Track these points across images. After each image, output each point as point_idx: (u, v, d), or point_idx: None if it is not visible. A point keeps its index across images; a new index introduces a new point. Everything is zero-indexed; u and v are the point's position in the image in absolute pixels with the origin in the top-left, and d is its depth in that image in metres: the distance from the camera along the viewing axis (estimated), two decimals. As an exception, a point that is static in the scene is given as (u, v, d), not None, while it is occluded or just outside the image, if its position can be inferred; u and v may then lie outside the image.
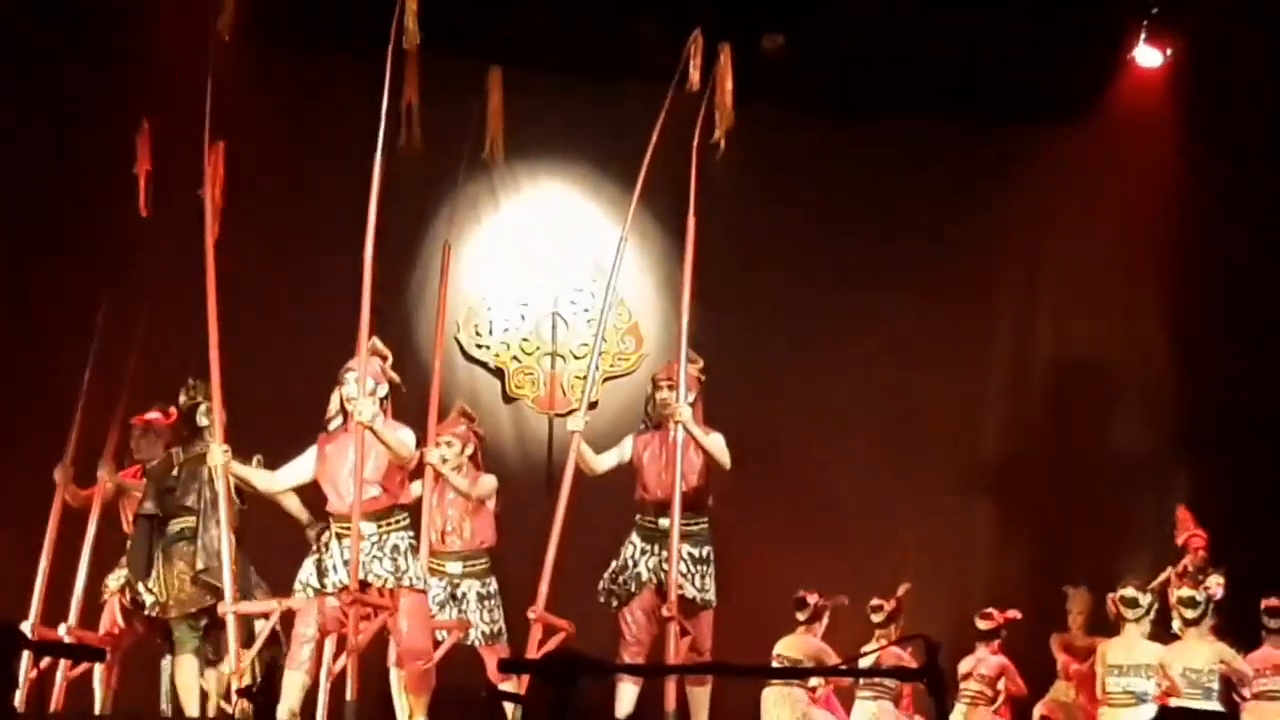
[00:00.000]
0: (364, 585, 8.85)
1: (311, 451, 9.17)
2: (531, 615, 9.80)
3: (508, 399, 12.92)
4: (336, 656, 9.23)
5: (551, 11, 12.58)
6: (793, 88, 12.94)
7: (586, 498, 10.20)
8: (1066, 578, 11.99)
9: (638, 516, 9.96)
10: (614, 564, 9.94)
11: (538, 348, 12.99)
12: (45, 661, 8.78)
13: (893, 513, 12.96)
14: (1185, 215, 13.37)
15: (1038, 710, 11.59)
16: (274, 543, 9.83)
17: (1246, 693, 10.99)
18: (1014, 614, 12.00)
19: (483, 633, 10.07)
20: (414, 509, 9.65)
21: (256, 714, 8.95)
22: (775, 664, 11.45)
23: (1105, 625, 11.42)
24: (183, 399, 10.06)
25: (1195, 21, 13.01)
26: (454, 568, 10.14)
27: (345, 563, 8.85)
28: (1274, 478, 12.78)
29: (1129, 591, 11.12)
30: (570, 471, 9.97)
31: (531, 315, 13.00)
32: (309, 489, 9.23)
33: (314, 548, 9.10)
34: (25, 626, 9.41)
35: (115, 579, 10.05)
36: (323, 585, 8.93)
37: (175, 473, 9.88)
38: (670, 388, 9.88)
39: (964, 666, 11.89)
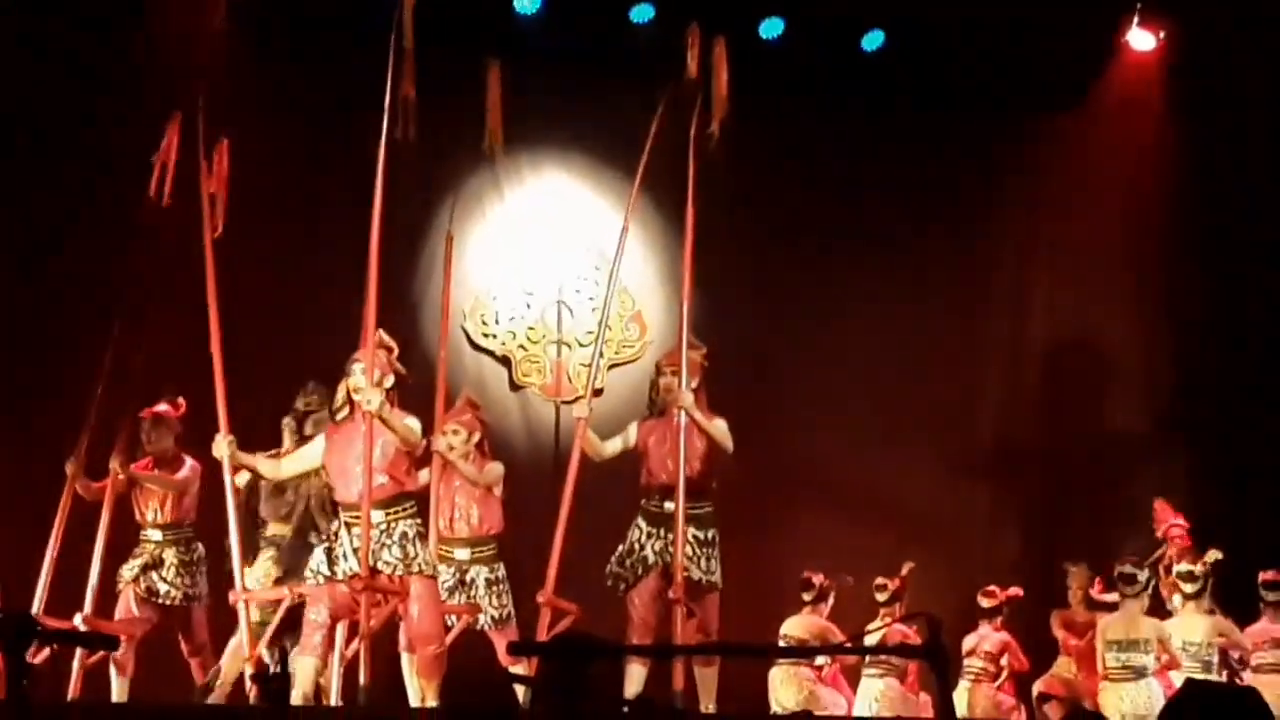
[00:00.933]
0: (374, 572, 8.85)
1: (319, 441, 9.19)
2: (540, 599, 9.84)
3: (514, 387, 12.90)
4: (349, 642, 9.25)
5: (551, 5, 12.58)
6: (790, 77, 12.91)
7: (592, 483, 10.20)
8: (1066, 555, 11.95)
9: (643, 501, 9.95)
10: (620, 548, 9.93)
11: (543, 336, 12.96)
12: (44, 651, 8.72)
13: (895, 493, 12.95)
14: (1179, 198, 13.36)
15: (1038, 686, 11.56)
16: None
17: (1246, 671, 10.98)
18: (1015, 591, 11.98)
19: (492, 617, 10.06)
20: (422, 496, 9.66)
21: (271, 699, 8.94)
22: (781, 644, 11.43)
23: (1106, 601, 11.41)
24: (300, 403, 10.05)
25: (1186, 4, 13.00)
26: (462, 554, 10.13)
27: (355, 550, 8.85)
28: (1265, 458, 12.77)
29: (1126, 568, 11.10)
30: (576, 457, 9.98)
31: (537, 304, 12.98)
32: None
33: (323, 536, 9.12)
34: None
35: (130, 569, 10.04)
36: (333, 573, 8.94)
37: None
38: (674, 374, 9.86)
39: (968, 643, 11.87)
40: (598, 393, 11.50)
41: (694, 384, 9.79)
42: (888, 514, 12.84)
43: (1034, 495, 12.21)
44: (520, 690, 9.40)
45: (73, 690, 9.80)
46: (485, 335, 12.87)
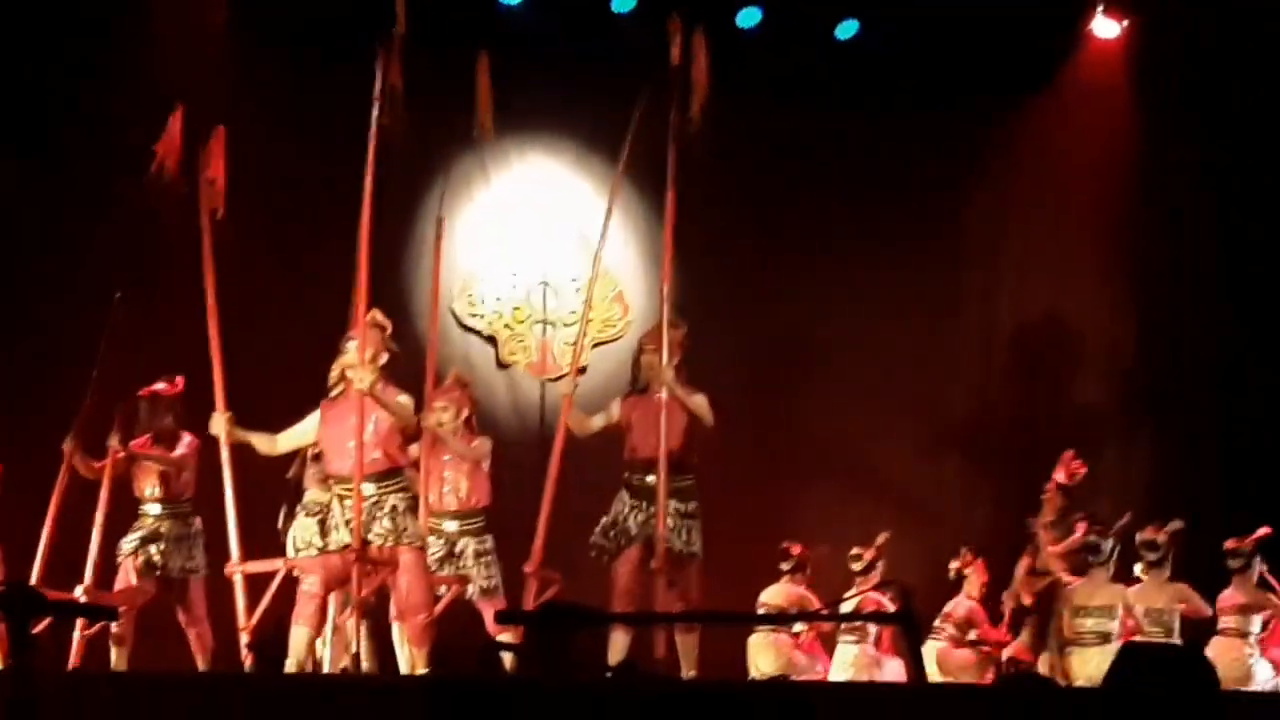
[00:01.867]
0: (365, 544, 8.90)
1: (314, 417, 9.24)
2: (527, 570, 9.91)
3: (501, 365, 12.91)
4: (340, 612, 9.29)
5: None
6: (767, 66, 12.93)
7: (577, 458, 10.26)
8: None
9: (626, 474, 10.02)
10: (604, 520, 9.99)
11: (529, 316, 12.97)
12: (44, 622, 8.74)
13: (871, 467, 12.99)
14: (1144, 180, 13.39)
15: (1007, 652, 11.60)
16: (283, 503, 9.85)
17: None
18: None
19: (480, 587, 10.11)
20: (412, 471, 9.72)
21: (265, 667, 8.99)
22: (760, 612, 11.47)
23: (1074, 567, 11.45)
24: None
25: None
26: (451, 526, 10.18)
27: (347, 523, 8.91)
28: (1228, 431, 12.83)
29: (1091, 538, 11.17)
30: (561, 433, 10.06)
31: (522, 285, 12.99)
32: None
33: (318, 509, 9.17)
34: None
35: (129, 542, 10.06)
36: (326, 544, 8.99)
37: None
38: (655, 352, 9.92)
39: (946, 609, 11.89)
40: (582, 370, 11.55)
41: (674, 361, 9.85)
42: (864, 487, 12.89)
43: (1004, 469, 12.24)
44: (507, 657, 9.49)
45: (73, 660, 9.83)
46: (473, 315, 12.89)
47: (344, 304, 9.23)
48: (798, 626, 11.74)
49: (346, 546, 8.92)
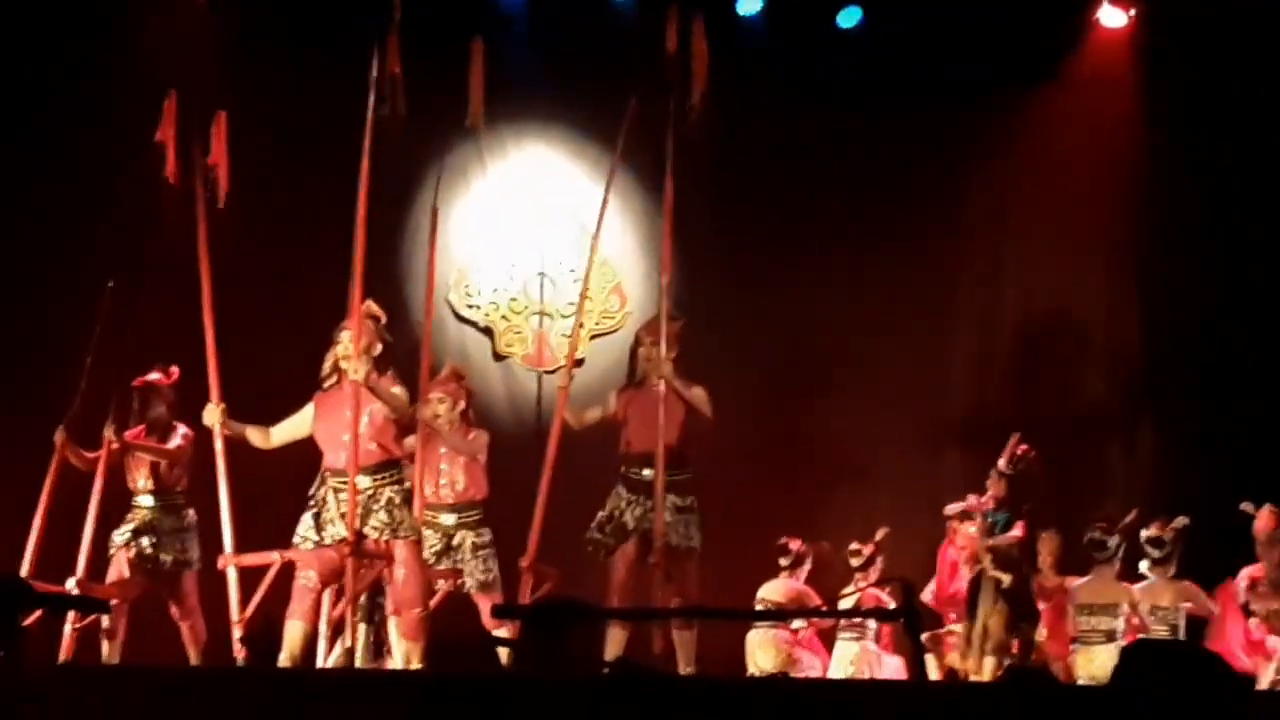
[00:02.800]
0: (361, 537, 8.89)
1: (308, 409, 9.22)
2: (523, 564, 9.90)
3: (498, 357, 12.91)
4: (335, 605, 9.28)
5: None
6: (768, 54, 12.92)
7: (574, 451, 10.25)
8: (1037, 522, 11.96)
9: (623, 468, 10.02)
10: (600, 514, 9.99)
11: (526, 307, 12.96)
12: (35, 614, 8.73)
13: (870, 461, 12.97)
14: (1148, 172, 13.35)
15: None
16: (277, 496, 9.81)
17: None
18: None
19: (478, 581, 10.09)
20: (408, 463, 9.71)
21: (258, 661, 8.98)
22: (759, 608, 11.46)
23: (1075, 566, 11.45)
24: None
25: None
26: (448, 519, 10.17)
27: (342, 516, 8.89)
28: (1231, 426, 12.81)
29: (1095, 534, 11.16)
30: (557, 426, 10.05)
31: (519, 276, 12.98)
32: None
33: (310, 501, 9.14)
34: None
35: (121, 534, 10.05)
36: (321, 538, 8.98)
37: None
38: (653, 344, 9.92)
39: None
40: (579, 363, 11.56)
41: (672, 354, 9.84)
42: (863, 481, 12.87)
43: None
44: (503, 653, 9.48)
45: (64, 653, 9.81)
46: (469, 306, 12.88)
47: (339, 294, 9.21)
48: (797, 623, 11.72)
49: (342, 540, 8.91)
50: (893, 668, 11.54)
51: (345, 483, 8.91)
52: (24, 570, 9.58)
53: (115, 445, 9.95)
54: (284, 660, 8.94)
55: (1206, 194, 13.17)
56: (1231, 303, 13.10)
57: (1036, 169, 13.54)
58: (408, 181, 12.12)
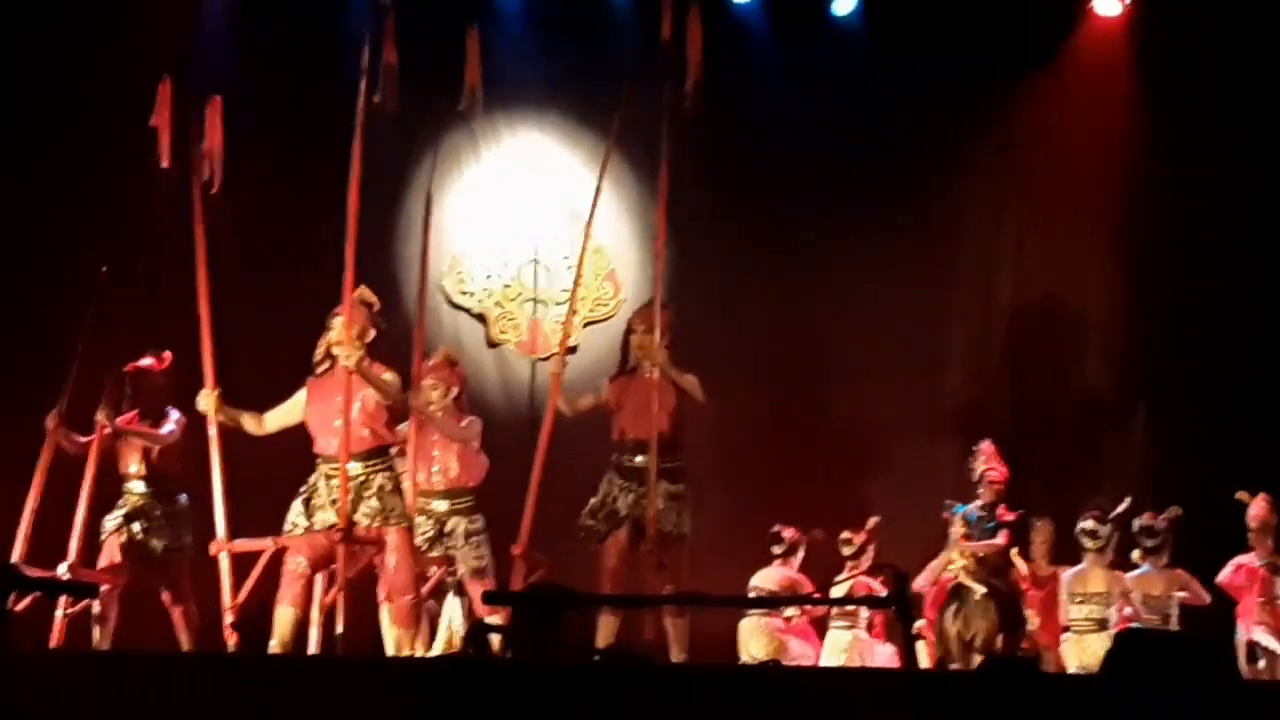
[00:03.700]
0: (352, 524, 8.89)
1: (300, 395, 9.24)
2: (515, 551, 9.92)
3: (491, 344, 12.90)
4: (327, 591, 9.29)
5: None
6: (762, 42, 12.94)
7: (566, 438, 10.26)
8: (1031, 510, 12.00)
9: (615, 455, 10.05)
10: (593, 501, 10.02)
11: (519, 294, 12.96)
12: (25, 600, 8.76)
13: (863, 449, 12.97)
14: (1144, 159, 13.35)
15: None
16: (271, 482, 9.82)
17: None
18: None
19: (470, 567, 10.10)
20: (400, 450, 9.71)
21: (249, 647, 9.00)
22: (751, 595, 11.48)
23: (1067, 555, 11.49)
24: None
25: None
26: (441, 506, 10.17)
27: (333, 502, 8.90)
28: (1225, 416, 12.82)
29: (1089, 524, 11.20)
30: (550, 413, 10.06)
31: (513, 262, 12.97)
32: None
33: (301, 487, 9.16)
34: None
35: (112, 520, 10.05)
36: (311, 524, 8.99)
37: None
38: (646, 331, 9.94)
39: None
40: (572, 350, 11.56)
41: (665, 341, 9.86)
42: (856, 470, 12.87)
43: (1000, 453, 12.21)
44: (494, 639, 9.48)
45: (55, 639, 9.82)
46: (462, 293, 12.88)
47: (334, 281, 9.22)
48: (790, 610, 11.74)
49: (333, 526, 8.92)
50: (885, 656, 11.56)
51: (337, 469, 8.93)
52: (15, 555, 9.59)
53: (107, 430, 9.95)
54: (274, 646, 8.96)
55: (1203, 182, 13.17)
56: (1227, 292, 13.10)
57: (1032, 156, 13.54)
58: (401, 168, 12.12)
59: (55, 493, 9.86)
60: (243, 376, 9.89)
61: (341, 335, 9.01)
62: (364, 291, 9.22)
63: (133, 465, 10.15)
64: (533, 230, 12.98)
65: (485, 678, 5.76)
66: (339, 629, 9.09)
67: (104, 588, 9.70)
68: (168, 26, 11.51)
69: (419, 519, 9.80)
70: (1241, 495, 11.44)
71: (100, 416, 9.95)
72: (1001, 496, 11.47)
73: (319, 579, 9.31)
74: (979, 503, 11.46)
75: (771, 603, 11.61)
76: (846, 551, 11.75)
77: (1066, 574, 11.30)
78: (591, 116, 12.17)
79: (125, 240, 10.43)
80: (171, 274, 10.15)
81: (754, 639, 11.48)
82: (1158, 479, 12.50)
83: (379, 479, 9.04)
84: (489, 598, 8.80)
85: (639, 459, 9.85)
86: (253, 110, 11.09)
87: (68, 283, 10.39)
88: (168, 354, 10.22)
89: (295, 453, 9.41)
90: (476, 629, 8.95)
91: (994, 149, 13.51)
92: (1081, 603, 11.10)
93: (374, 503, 8.98)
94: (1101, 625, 10.97)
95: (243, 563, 9.74)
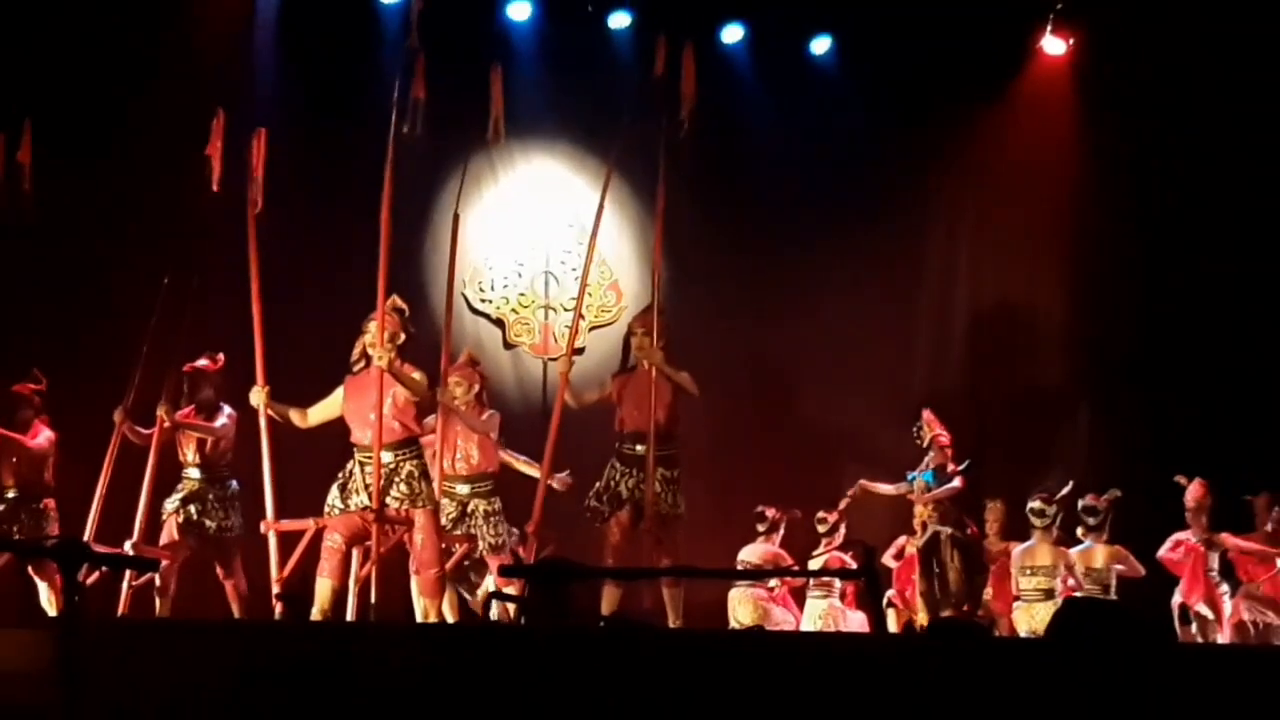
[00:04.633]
0: (383, 506, 8.91)
1: (339, 392, 9.25)
2: (528, 529, 9.94)
3: (508, 346, 12.91)
4: (363, 565, 9.31)
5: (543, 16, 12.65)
6: (749, 76, 12.98)
7: (574, 430, 10.28)
8: (986, 493, 12.01)
9: (617, 444, 10.07)
10: (597, 485, 10.03)
11: (533, 301, 12.97)
12: (95, 573, 8.79)
13: (838, 438, 12.99)
14: (1086, 180, 13.41)
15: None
16: (313, 469, 9.82)
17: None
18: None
19: (489, 544, 10.10)
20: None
21: (293, 615, 9.00)
22: (739, 568, 11.48)
23: (1018, 532, 11.49)
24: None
25: (1094, 14, 13.08)
26: (463, 490, 10.16)
27: (367, 486, 8.92)
28: (1161, 406, 12.84)
29: (1037, 504, 11.19)
30: (559, 407, 10.10)
31: (527, 273, 12.99)
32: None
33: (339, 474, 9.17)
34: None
35: (172, 502, 10.07)
36: (348, 505, 9.01)
37: None
38: (644, 334, 9.97)
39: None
40: (579, 351, 11.59)
41: (661, 343, 9.89)
42: (831, 456, 12.90)
43: (959, 441, 12.21)
44: (510, 608, 9.48)
45: (121, 608, 9.83)
46: (482, 300, 12.88)
47: (369, 290, 9.23)
48: (773, 581, 11.75)
49: (366, 508, 8.95)
50: (856, 622, 11.57)
51: (370, 457, 8.96)
52: (87, 534, 9.61)
53: (167, 424, 9.97)
54: (315, 614, 8.97)
55: (1137, 200, 13.23)
56: (1160, 296, 13.15)
57: (986, 181, 13.59)
58: (428, 190, 12.12)
59: (121, 478, 9.89)
60: (289, 376, 9.89)
61: (375, 338, 9.03)
62: (395, 300, 9.23)
63: (190, 454, 10.16)
64: (545, 245, 13.00)
65: (501, 642, 5.76)
66: (373, 599, 9.09)
67: (164, 563, 9.71)
68: (222, 65, 11.52)
69: (444, 501, 9.81)
70: (1179, 478, 11.43)
71: (161, 411, 9.96)
72: (949, 457, 11.50)
73: (355, 555, 9.32)
74: (932, 465, 11.49)
75: (756, 575, 11.62)
76: (822, 529, 11.77)
77: (1017, 549, 11.30)
78: (596, 145, 12.19)
79: (183, 256, 10.41)
80: (222, 285, 10.16)
81: (741, 607, 11.49)
82: (1099, 464, 12.51)
83: (408, 466, 9.05)
84: (505, 571, 8.82)
85: (638, 447, 9.87)
86: (300, 140, 11.12)
87: (134, 293, 10.38)
88: (220, 356, 10.24)
89: (334, 443, 9.42)
90: (493, 598, 8.98)
91: (953, 175, 13.55)
92: (1030, 575, 11.10)
93: (403, 487, 8.99)
94: (1048, 595, 10.97)
95: (288, 540, 9.76)
